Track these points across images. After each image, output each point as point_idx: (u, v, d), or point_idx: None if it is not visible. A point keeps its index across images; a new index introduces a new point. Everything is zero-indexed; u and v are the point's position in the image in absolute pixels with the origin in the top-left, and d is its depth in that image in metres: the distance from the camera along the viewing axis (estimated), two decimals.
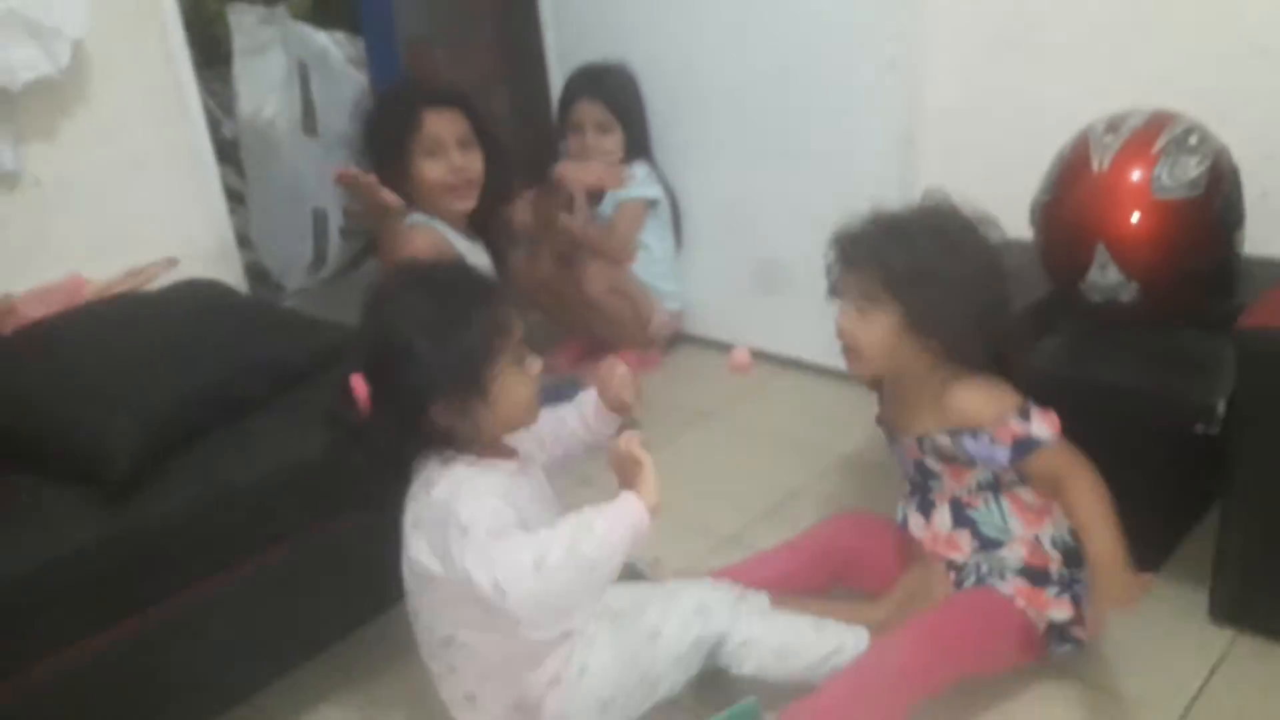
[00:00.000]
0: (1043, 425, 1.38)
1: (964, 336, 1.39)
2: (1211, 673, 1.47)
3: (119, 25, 1.98)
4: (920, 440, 1.47)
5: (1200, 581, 1.57)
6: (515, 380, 1.29)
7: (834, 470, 2.06)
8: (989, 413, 1.39)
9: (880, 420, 1.59)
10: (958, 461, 1.45)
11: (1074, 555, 1.44)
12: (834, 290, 1.47)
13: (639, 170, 2.61)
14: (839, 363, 1.61)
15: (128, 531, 1.31)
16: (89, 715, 1.32)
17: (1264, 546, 1.48)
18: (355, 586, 1.55)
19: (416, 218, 1.98)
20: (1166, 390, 1.53)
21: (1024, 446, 1.38)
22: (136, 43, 2.03)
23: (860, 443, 2.13)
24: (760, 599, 1.49)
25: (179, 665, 1.39)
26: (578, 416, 1.49)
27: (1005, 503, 1.46)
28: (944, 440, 1.44)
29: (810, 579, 1.61)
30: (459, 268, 1.43)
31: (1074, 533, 1.43)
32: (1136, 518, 1.51)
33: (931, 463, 1.49)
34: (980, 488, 1.47)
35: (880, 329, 1.41)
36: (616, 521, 1.22)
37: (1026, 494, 1.46)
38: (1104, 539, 1.33)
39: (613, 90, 2.59)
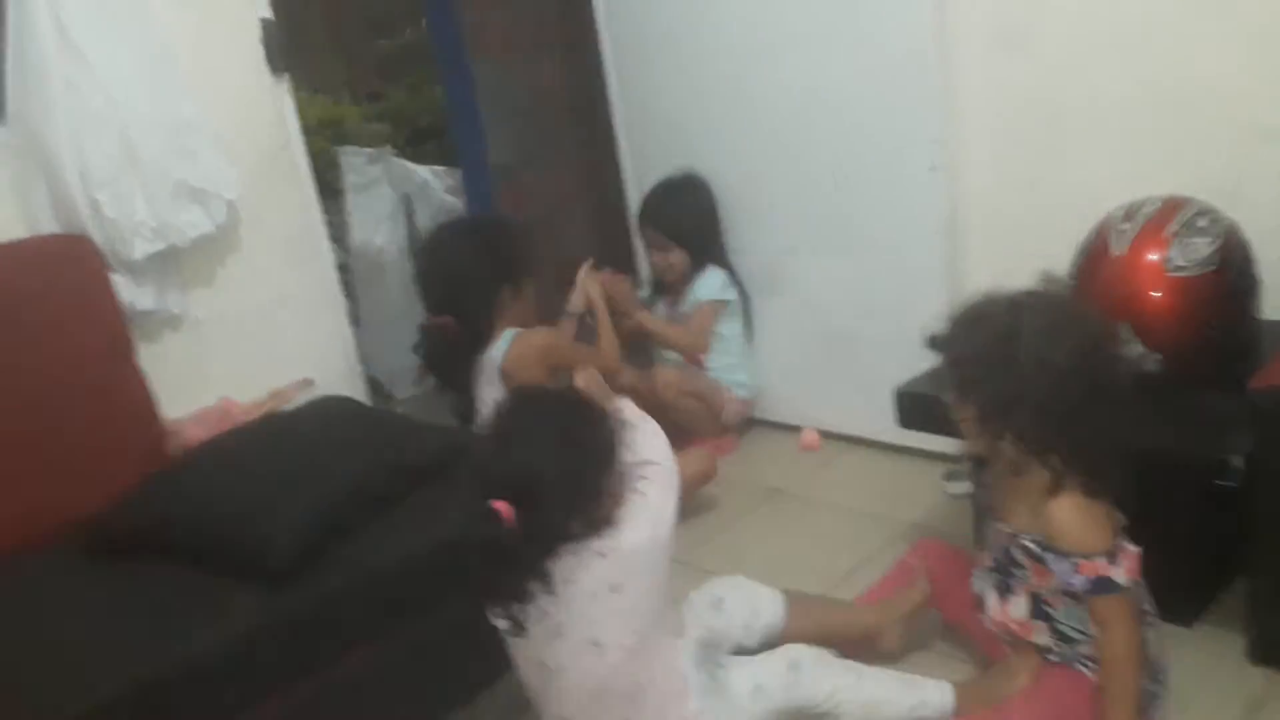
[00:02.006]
0: (1122, 571, 1.40)
1: (1042, 435, 1.40)
2: (1251, 713, 1.57)
3: (263, 183, 2.28)
4: (1014, 535, 1.51)
5: (1239, 627, 1.67)
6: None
7: (902, 538, 2.19)
8: (1082, 542, 1.41)
9: (976, 496, 1.67)
10: (1043, 564, 1.47)
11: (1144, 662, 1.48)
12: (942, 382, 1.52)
13: (716, 276, 2.84)
14: (902, 438, 1.77)
15: (291, 613, 1.52)
16: None
17: None
18: (479, 654, 1.74)
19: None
20: (1189, 449, 1.65)
21: (1101, 587, 1.40)
22: (278, 197, 2.32)
23: (926, 511, 2.28)
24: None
25: None
26: None
27: (1084, 611, 1.49)
28: (1033, 547, 1.47)
29: None
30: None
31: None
32: (1174, 569, 1.65)
33: (1019, 555, 1.51)
34: (1062, 593, 1.49)
35: (997, 449, 1.46)
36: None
37: None
38: (1121, 698, 1.42)
39: (668, 214, 2.85)
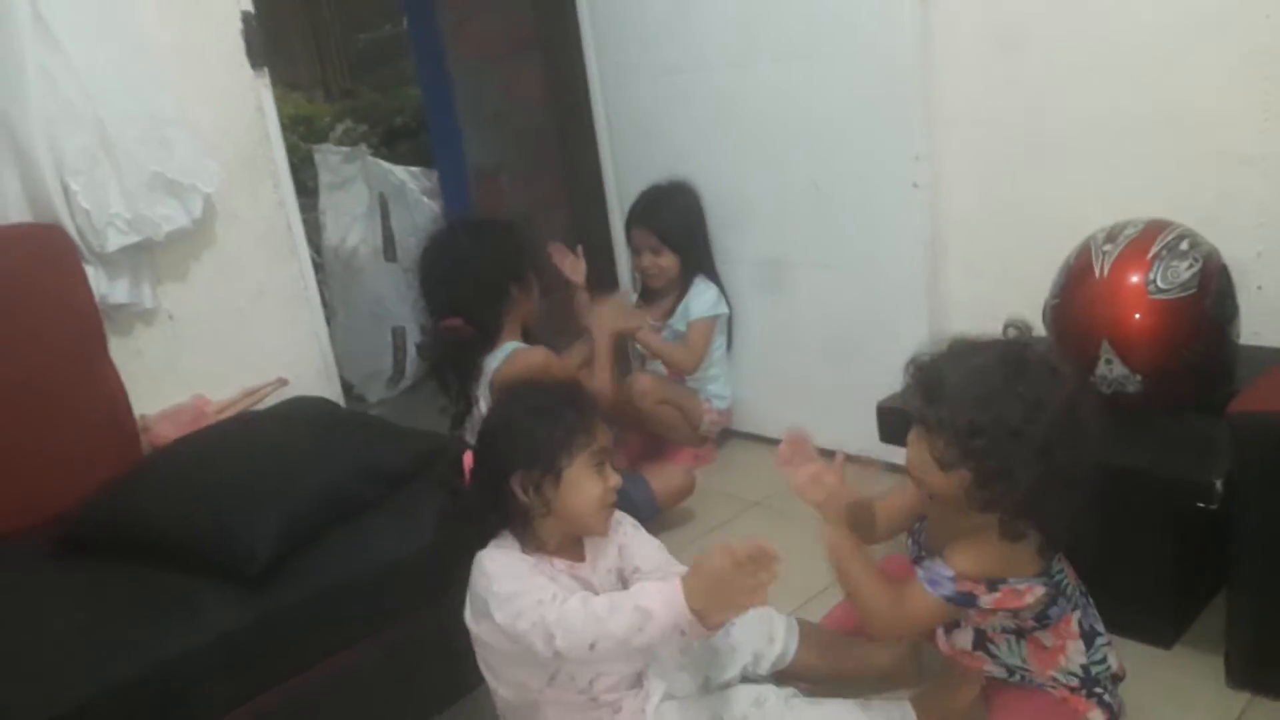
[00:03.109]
0: (992, 601, 1.42)
1: (1025, 505, 1.36)
2: None
3: (240, 178, 2.25)
4: None
5: (1219, 649, 1.68)
6: (589, 479, 1.49)
7: (877, 550, 2.20)
8: (977, 567, 1.41)
9: (913, 533, 1.62)
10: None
11: (1090, 677, 1.51)
12: (910, 420, 1.45)
13: (709, 290, 2.83)
14: (882, 453, 1.77)
15: (264, 617, 1.50)
16: None
17: (1270, 613, 1.59)
18: (455, 663, 1.72)
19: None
20: (1170, 471, 1.66)
21: (964, 600, 1.42)
22: (255, 193, 2.29)
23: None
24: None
25: None
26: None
27: (1025, 646, 1.52)
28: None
29: None
30: (570, 383, 1.69)
31: (1084, 667, 1.50)
32: (1154, 591, 1.67)
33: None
34: (1004, 630, 1.52)
35: (949, 484, 1.39)
36: (666, 622, 1.33)
37: (1047, 638, 1.50)
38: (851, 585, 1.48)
39: (663, 219, 2.82)
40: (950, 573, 1.42)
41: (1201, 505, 1.60)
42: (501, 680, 1.53)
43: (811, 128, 2.55)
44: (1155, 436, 1.74)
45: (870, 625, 1.52)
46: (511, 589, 1.41)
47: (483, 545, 1.51)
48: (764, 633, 1.72)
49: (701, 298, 2.83)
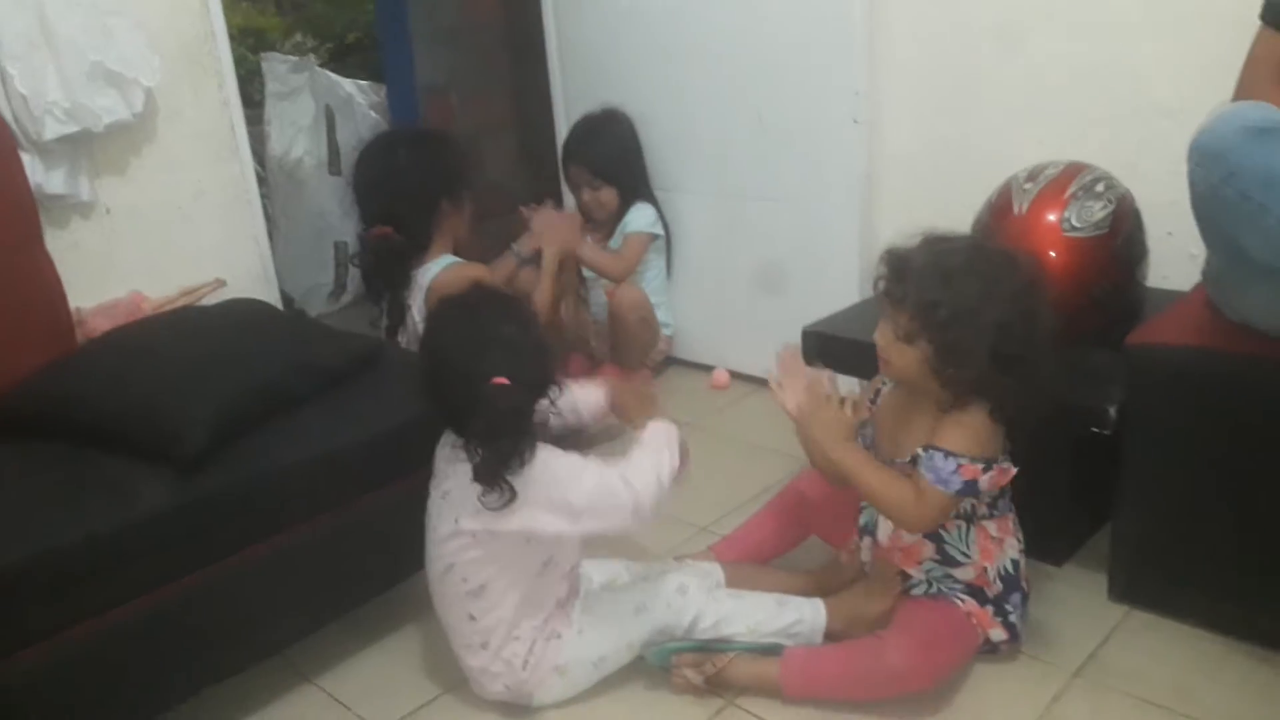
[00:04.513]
0: (988, 481, 1.50)
1: (986, 378, 1.46)
2: (1104, 641, 1.69)
3: (185, 75, 2.24)
4: (913, 458, 1.56)
5: (1105, 568, 1.80)
6: None
7: (799, 471, 2.29)
8: (970, 446, 1.49)
9: (864, 424, 1.68)
10: (928, 466, 1.52)
11: (1011, 583, 1.62)
12: (879, 303, 1.56)
13: (647, 212, 2.86)
14: None
15: (195, 501, 1.53)
16: (156, 655, 1.53)
17: (1151, 532, 1.71)
18: (380, 557, 1.79)
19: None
20: (1070, 399, 1.72)
21: (968, 490, 1.50)
22: (198, 91, 2.28)
23: None
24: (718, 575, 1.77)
25: (229, 618, 1.60)
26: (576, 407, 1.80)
27: (974, 532, 1.60)
28: (920, 453, 1.53)
29: (789, 534, 1.87)
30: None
31: (1014, 563, 1.62)
32: (1049, 512, 1.77)
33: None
34: (956, 515, 1.59)
35: (913, 359, 1.50)
36: (672, 445, 1.66)
37: (992, 527, 1.60)
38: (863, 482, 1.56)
39: (597, 152, 2.85)
40: (953, 465, 1.48)
41: (1096, 431, 1.70)
42: (489, 570, 1.59)
43: (757, 60, 2.58)
44: (1061, 368, 1.82)
45: (901, 525, 1.60)
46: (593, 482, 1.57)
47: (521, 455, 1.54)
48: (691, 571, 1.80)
49: (638, 215, 2.86)
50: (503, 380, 1.48)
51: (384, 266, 2.44)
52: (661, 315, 2.95)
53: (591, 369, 2.84)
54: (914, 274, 1.49)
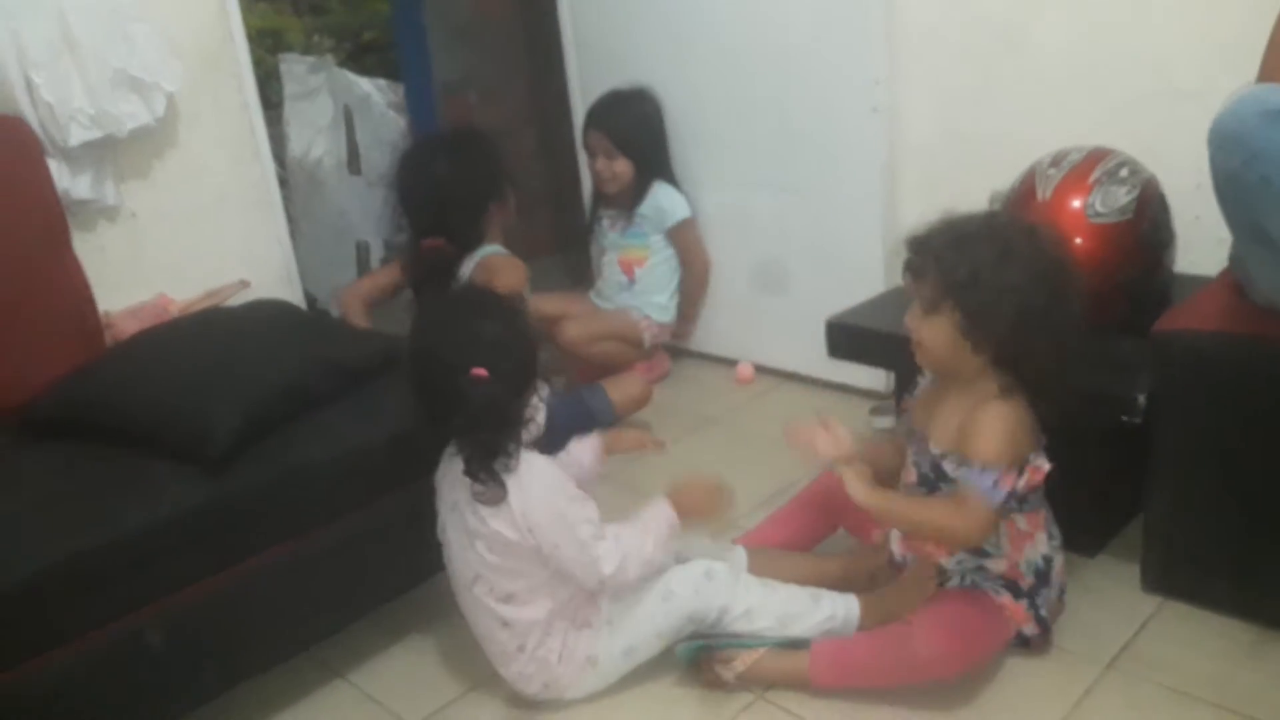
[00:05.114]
0: (1024, 483, 1.50)
1: (1015, 342, 1.47)
2: (1138, 632, 1.68)
3: (205, 79, 2.25)
4: (944, 454, 1.57)
5: (1138, 558, 1.77)
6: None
7: (825, 467, 2.28)
8: (1001, 453, 1.47)
9: (904, 410, 1.71)
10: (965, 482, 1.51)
11: (1042, 577, 1.61)
12: (907, 289, 1.57)
13: (677, 196, 2.83)
14: (833, 374, 1.82)
15: (223, 500, 1.55)
16: (185, 653, 1.54)
17: (1183, 522, 1.69)
18: (405, 554, 1.79)
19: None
20: (1098, 387, 1.72)
21: (1011, 499, 1.50)
22: (218, 94, 2.29)
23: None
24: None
25: (258, 615, 1.62)
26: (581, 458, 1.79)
27: (1003, 525, 1.57)
28: (948, 469, 1.55)
29: (816, 528, 1.87)
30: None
31: (1046, 559, 1.61)
32: (1081, 503, 1.75)
33: (950, 469, 1.57)
34: None
35: (941, 330, 1.51)
36: (664, 529, 1.64)
37: (1021, 521, 1.59)
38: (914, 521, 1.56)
39: (615, 121, 2.81)
40: (989, 480, 1.46)
41: (1125, 419, 1.68)
42: (514, 576, 1.60)
43: (776, 49, 2.57)
44: (1087, 354, 1.80)
45: (954, 545, 1.60)
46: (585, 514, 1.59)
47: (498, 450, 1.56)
48: (715, 554, 1.78)
49: (673, 201, 2.83)
50: (481, 372, 1.49)
51: (435, 276, 2.47)
52: (660, 299, 2.90)
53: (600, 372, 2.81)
54: (933, 245, 1.51)
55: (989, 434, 1.49)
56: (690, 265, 2.89)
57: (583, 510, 1.58)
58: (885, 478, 1.65)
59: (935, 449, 1.59)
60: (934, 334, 1.52)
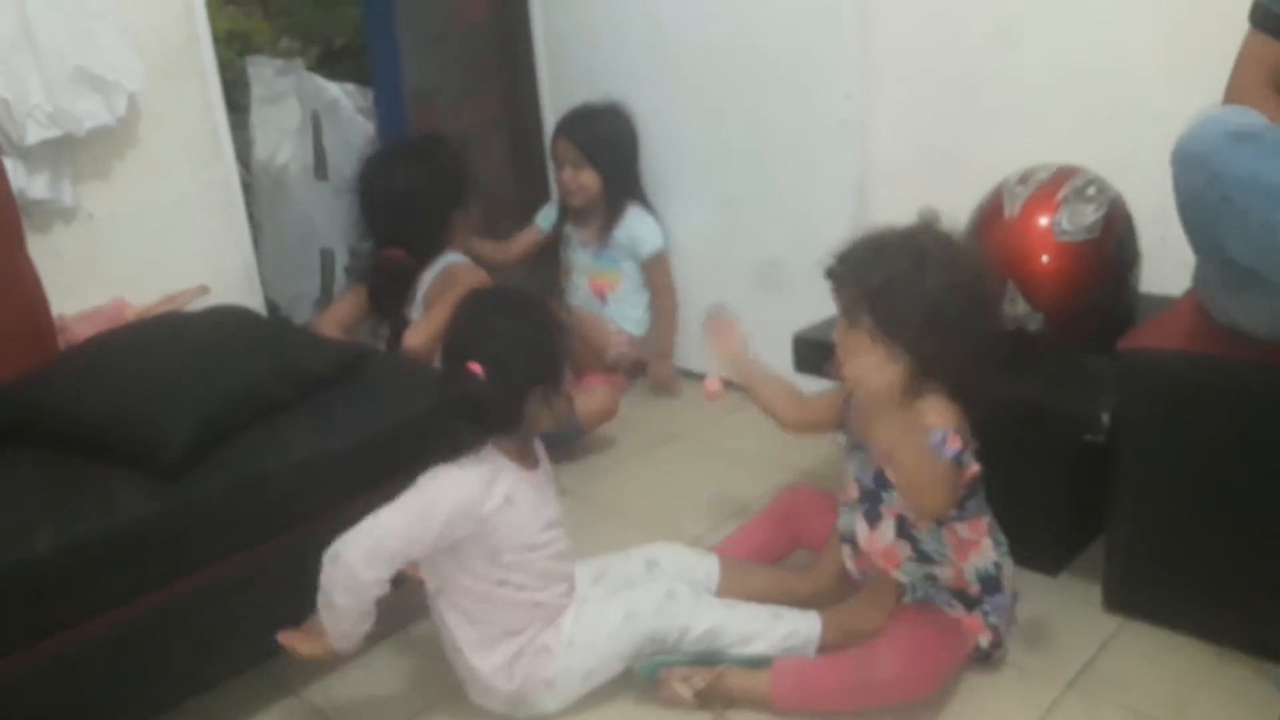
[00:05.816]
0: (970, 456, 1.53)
1: (926, 346, 1.48)
2: (1099, 651, 1.68)
3: (167, 79, 2.21)
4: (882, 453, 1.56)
5: (1099, 578, 1.77)
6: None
7: (790, 483, 2.25)
8: (944, 422, 1.49)
9: (844, 425, 1.71)
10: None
11: (991, 584, 1.61)
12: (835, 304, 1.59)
13: (653, 226, 2.82)
14: (802, 389, 1.83)
15: (176, 508, 1.52)
16: (136, 666, 1.52)
17: (1145, 541, 1.69)
18: None
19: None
20: (1061, 404, 1.74)
21: (959, 461, 1.49)
22: (182, 95, 2.25)
23: (815, 459, 2.35)
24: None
25: (212, 628, 1.59)
26: None
27: (944, 534, 1.59)
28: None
29: (776, 545, 1.87)
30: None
31: (996, 565, 1.61)
32: (1043, 521, 1.75)
33: (892, 475, 1.57)
34: None
35: (861, 341, 1.51)
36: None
37: (962, 529, 1.59)
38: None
39: (585, 131, 2.78)
40: (938, 436, 1.46)
41: (1089, 438, 1.69)
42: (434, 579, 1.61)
43: (748, 61, 2.57)
44: (1050, 372, 1.82)
45: (919, 497, 1.53)
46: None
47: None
48: (688, 563, 1.79)
49: (648, 229, 2.81)
50: (476, 367, 1.49)
51: (395, 285, 2.43)
52: (635, 313, 2.88)
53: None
54: (853, 255, 1.54)
55: (932, 409, 1.51)
56: (661, 298, 2.87)
57: (415, 502, 1.53)
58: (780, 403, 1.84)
59: (877, 457, 1.59)
60: (852, 344, 1.53)
